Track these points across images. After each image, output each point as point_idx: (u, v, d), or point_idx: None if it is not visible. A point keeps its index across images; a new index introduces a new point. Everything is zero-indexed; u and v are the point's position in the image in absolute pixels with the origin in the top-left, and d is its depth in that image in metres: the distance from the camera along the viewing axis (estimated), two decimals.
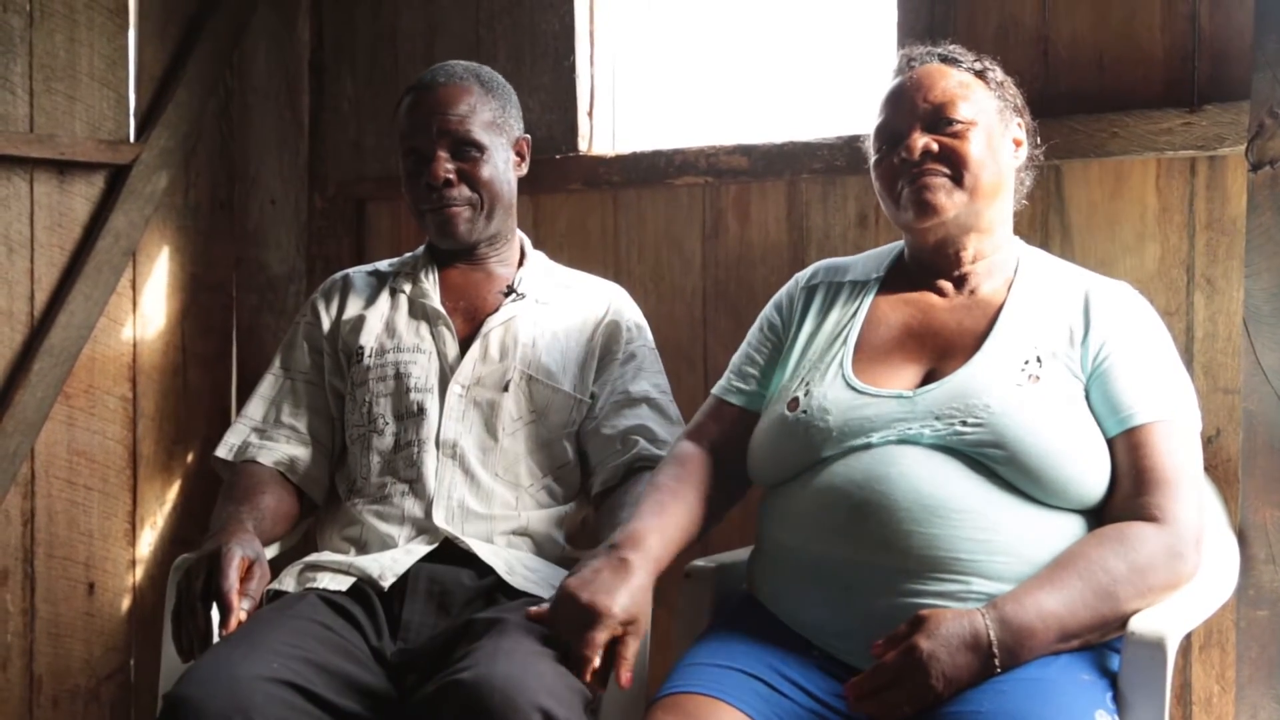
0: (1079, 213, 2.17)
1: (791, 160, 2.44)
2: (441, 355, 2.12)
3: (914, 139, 1.82)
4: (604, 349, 2.18)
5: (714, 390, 2.02)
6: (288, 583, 2.00)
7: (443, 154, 2.10)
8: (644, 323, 2.27)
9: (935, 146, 1.81)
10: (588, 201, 2.72)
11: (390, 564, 1.96)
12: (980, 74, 1.88)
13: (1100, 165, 2.14)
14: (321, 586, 1.95)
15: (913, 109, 1.84)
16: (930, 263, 1.90)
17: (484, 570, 1.97)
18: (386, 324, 2.17)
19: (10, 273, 2.70)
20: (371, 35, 3.01)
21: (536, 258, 2.27)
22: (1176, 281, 2.10)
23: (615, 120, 2.79)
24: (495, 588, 1.95)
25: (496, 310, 2.16)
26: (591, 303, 2.22)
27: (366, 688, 1.79)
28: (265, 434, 2.15)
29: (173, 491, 3.00)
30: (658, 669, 2.03)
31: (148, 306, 2.94)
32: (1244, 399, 1.95)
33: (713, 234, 2.57)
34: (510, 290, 2.18)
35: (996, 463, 1.69)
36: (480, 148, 2.12)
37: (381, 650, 1.87)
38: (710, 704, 1.65)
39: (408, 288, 2.20)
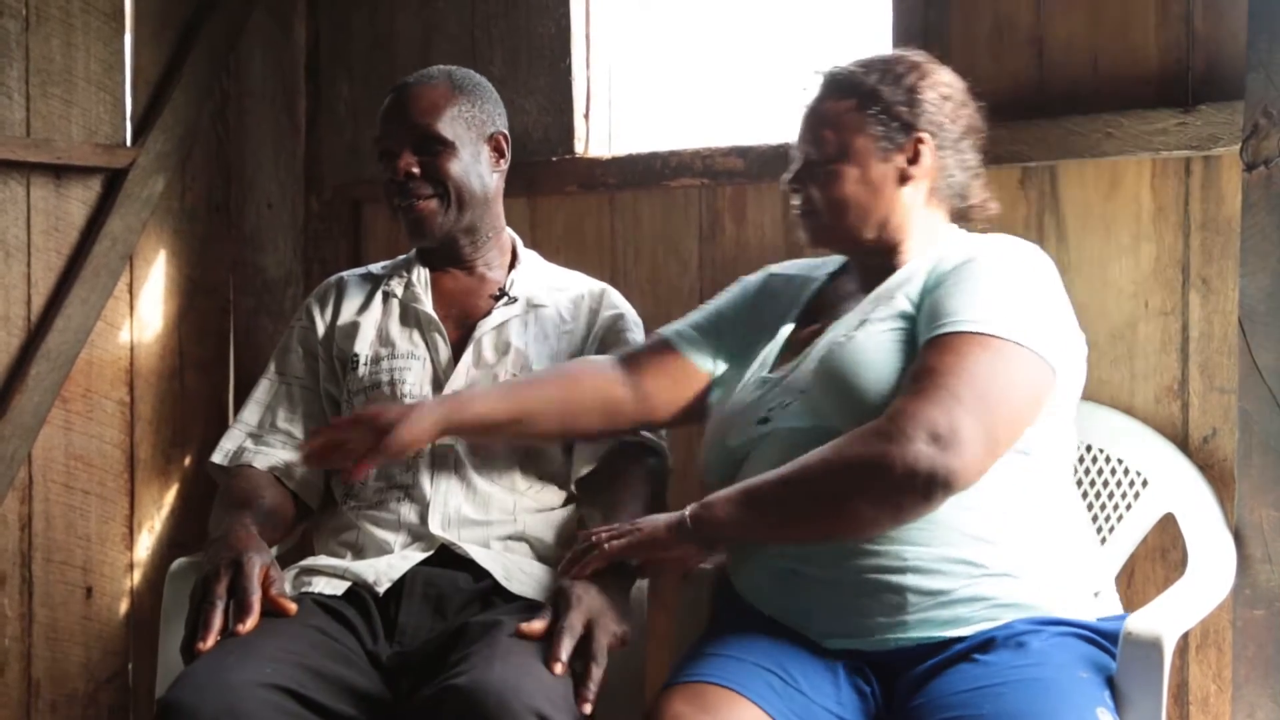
0: (1074, 213, 2.17)
1: (787, 162, 2.43)
2: (434, 362, 2.12)
3: (796, 180, 1.88)
4: (600, 349, 2.18)
5: None
6: (283, 587, 2.00)
7: (407, 150, 2.11)
8: (638, 318, 2.26)
9: (816, 197, 1.86)
10: (584, 204, 2.72)
11: (386, 569, 1.95)
12: (863, 101, 1.83)
13: (1095, 166, 2.14)
14: (317, 591, 1.95)
15: (804, 147, 1.88)
16: (864, 265, 1.92)
17: (480, 574, 1.96)
18: (380, 330, 2.16)
19: (7, 277, 2.70)
20: (367, 38, 3.01)
21: (529, 259, 2.26)
22: (1172, 281, 2.10)
23: (611, 122, 2.79)
24: (491, 591, 1.94)
25: (488, 315, 2.16)
26: (584, 305, 2.22)
27: (361, 692, 1.78)
28: (261, 439, 2.14)
29: (170, 495, 3.00)
30: (654, 674, 2.04)
31: (145, 310, 2.94)
32: (1240, 398, 1.95)
33: (709, 235, 2.57)
34: (502, 293, 2.18)
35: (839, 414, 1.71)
36: (443, 142, 2.11)
37: (377, 654, 1.87)
38: (728, 696, 1.64)
39: (400, 292, 2.20)
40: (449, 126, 2.12)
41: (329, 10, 3.05)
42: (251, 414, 2.18)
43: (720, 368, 2.01)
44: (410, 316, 2.17)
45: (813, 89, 1.90)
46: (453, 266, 2.21)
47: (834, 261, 2.02)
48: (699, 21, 2.77)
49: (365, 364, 2.13)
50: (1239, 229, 1.96)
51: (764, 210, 2.51)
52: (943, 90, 1.86)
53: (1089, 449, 2.11)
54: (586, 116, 2.76)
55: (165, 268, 2.98)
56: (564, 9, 2.73)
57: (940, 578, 1.66)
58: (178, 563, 2.16)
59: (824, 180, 1.85)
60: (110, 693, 2.91)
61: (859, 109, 1.83)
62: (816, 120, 1.88)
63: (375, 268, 2.29)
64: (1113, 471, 2.09)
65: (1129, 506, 2.06)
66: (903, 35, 2.29)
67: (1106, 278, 2.14)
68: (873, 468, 1.59)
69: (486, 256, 2.21)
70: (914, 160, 1.83)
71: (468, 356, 2.11)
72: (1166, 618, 1.66)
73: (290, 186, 3.05)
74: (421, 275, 2.20)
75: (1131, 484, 2.07)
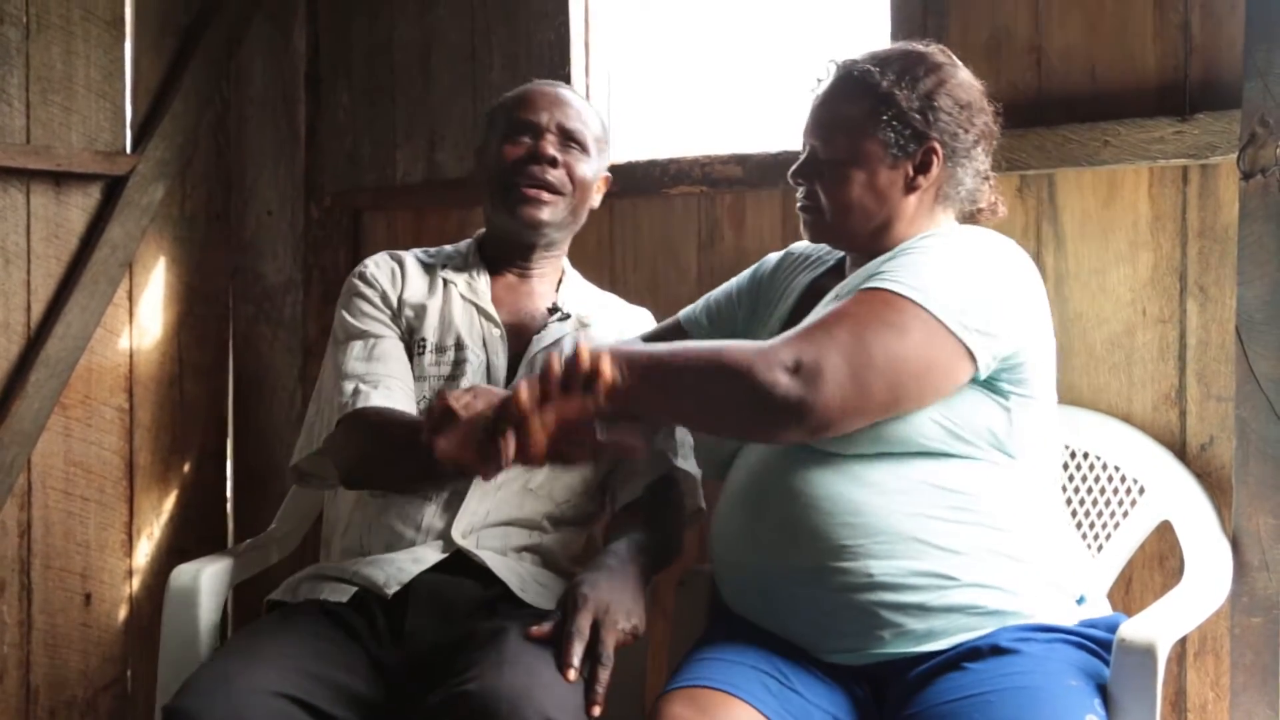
0: (1072, 221, 2.18)
1: (786, 170, 2.43)
2: (492, 367, 2.08)
3: (800, 174, 1.87)
4: None
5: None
6: (289, 594, 2.00)
7: (552, 137, 2.11)
8: None
9: (820, 195, 1.83)
10: None
11: (396, 572, 1.93)
12: (876, 104, 1.78)
13: (1093, 174, 2.15)
14: (323, 598, 1.94)
15: (811, 141, 1.86)
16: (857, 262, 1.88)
17: (488, 580, 1.94)
18: (444, 320, 2.11)
19: (7, 284, 2.70)
20: (367, 47, 3.01)
21: (575, 278, 2.26)
22: (1170, 289, 2.11)
23: (610, 130, 2.79)
24: (499, 598, 1.93)
25: (543, 329, 2.12)
26: (625, 326, 2.20)
27: (366, 699, 1.78)
28: (371, 384, 2.01)
29: (169, 502, 3.00)
30: (653, 679, 2.04)
31: (144, 317, 2.94)
32: (1237, 406, 1.95)
33: (708, 243, 2.58)
34: (555, 309, 2.16)
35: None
36: (585, 149, 2.13)
37: (382, 660, 1.86)
38: (725, 699, 1.65)
39: (460, 283, 2.15)
40: (592, 142, 2.15)
41: (329, 18, 3.06)
42: (357, 365, 2.04)
43: None
44: (473, 314, 2.12)
45: (826, 80, 1.86)
46: (511, 270, 2.18)
47: None
48: (698, 29, 2.78)
49: (430, 351, 2.08)
50: (1236, 237, 1.97)
51: (763, 218, 2.51)
52: (960, 96, 1.81)
53: (1086, 456, 2.12)
54: None
55: (165, 275, 2.98)
56: (563, 17, 2.74)
57: (911, 592, 1.65)
58: (178, 569, 2.16)
59: (829, 180, 1.82)
60: (109, 699, 2.91)
61: (871, 112, 1.78)
62: (827, 117, 1.84)
63: (420, 254, 2.22)
64: (1109, 479, 2.10)
65: (1126, 514, 2.07)
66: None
67: (1104, 285, 2.15)
68: (738, 378, 1.57)
69: (544, 269, 2.19)
70: (923, 169, 1.79)
71: (523, 370, 2.07)
72: (1160, 624, 1.67)
73: (290, 194, 3.06)
74: (481, 273, 2.16)
75: (1129, 491, 2.08)
